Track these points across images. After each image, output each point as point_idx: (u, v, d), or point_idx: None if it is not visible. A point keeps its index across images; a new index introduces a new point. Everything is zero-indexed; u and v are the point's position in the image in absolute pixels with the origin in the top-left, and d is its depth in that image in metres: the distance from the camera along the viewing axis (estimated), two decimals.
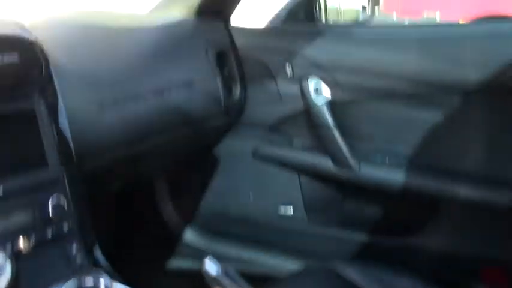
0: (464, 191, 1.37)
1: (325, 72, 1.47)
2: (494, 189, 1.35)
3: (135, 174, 1.46)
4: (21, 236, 0.90)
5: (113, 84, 1.22)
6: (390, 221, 1.55)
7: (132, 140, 1.27)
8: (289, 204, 1.65)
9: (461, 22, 1.60)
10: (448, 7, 5.93)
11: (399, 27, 1.53)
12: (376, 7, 1.67)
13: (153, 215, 1.79)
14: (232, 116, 1.58)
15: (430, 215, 1.46)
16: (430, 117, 1.41)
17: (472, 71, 1.32)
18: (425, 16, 5.99)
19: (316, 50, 1.49)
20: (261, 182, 1.67)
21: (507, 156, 1.35)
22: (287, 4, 1.60)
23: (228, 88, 1.54)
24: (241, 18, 1.62)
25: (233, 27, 1.59)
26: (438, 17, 6.03)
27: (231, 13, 1.58)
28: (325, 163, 1.51)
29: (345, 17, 1.83)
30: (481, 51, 1.33)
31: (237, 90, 1.57)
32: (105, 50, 1.27)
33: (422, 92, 1.39)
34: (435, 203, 1.43)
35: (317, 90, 1.48)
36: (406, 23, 1.75)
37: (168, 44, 1.41)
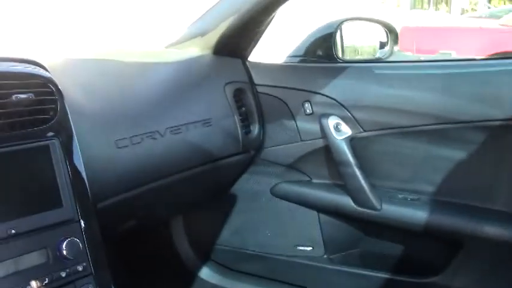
0: (491, 229, 1.32)
1: (345, 109, 1.45)
2: None
3: (151, 212, 1.43)
4: (35, 277, 0.87)
5: (129, 123, 1.20)
6: (413, 260, 1.50)
7: (148, 178, 1.24)
8: (308, 242, 1.60)
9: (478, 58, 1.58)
10: (461, 47, 5.96)
11: (419, 63, 1.50)
12: (395, 45, 1.65)
13: (170, 252, 1.75)
14: (250, 154, 1.55)
15: (455, 254, 1.40)
16: (451, 153, 1.38)
17: (494, 106, 1.29)
18: (440, 54, 5.99)
19: (335, 87, 1.47)
20: (279, 220, 1.63)
21: None
22: (304, 41, 1.59)
23: (246, 125, 1.52)
24: (261, 54, 1.61)
25: (251, 62, 1.58)
26: (454, 55, 6.04)
27: (250, 50, 1.57)
28: (346, 201, 1.47)
29: (363, 55, 1.81)
30: (501, 87, 1.30)
31: (255, 127, 1.54)
32: (121, 89, 1.25)
33: (443, 128, 1.36)
34: (460, 242, 1.38)
35: (337, 127, 1.45)
36: (424, 60, 1.72)
37: (185, 81, 1.39)
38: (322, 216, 1.58)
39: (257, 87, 1.56)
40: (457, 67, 1.42)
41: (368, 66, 1.51)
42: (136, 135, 1.19)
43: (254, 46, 1.57)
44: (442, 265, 1.43)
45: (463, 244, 1.38)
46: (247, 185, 1.63)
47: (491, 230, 1.32)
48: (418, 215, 1.39)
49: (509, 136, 1.31)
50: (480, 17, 8.78)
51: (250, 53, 1.58)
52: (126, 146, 1.16)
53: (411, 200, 1.43)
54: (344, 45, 1.64)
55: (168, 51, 1.53)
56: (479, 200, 1.37)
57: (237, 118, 1.47)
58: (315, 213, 1.58)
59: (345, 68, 1.50)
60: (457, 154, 1.37)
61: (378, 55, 1.68)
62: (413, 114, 1.38)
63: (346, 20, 1.59)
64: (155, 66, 1.39)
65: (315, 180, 1.56)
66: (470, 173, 1.38)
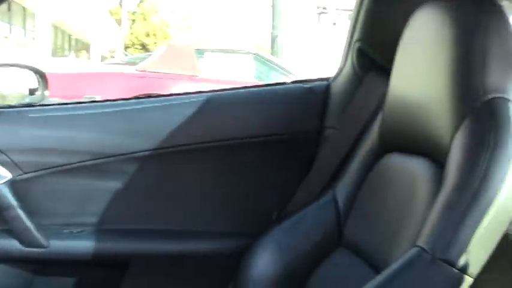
0: (153, 246, 1.46)
1: (2, 154, 1.42)
2: (185, 241, 1.48)
3: None
4: None
5: None
6: None
7: None
8: None
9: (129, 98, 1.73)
10: (104, 91, 6.20)
11: (74, 105, 1.58)
12: (45, 90, 1.68)
13: None
14: None
15: (124, 275, 1.50)
16: (111, 184, 1.48)
17: (144, 138, 1.44)
18: (86, 98, 6.12)
19: None
20: None
21: (189, 209, 1.51)
22: None
23: None
24: None
25: None
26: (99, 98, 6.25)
27: None
28: (13, 244, 1.44)
29: (12, 101, 1.78)
30: (149, 121, 1.47)
31: None
32: None
33: (101, 163, 1.45)
34: (126, 263, 1.48)
35: None
36: (79, 102, 1.80)
37: None
38: None
39: None
40: (110, 106, 1.53)
41: (22, 111, 1.52)
42: None
43: None
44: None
45: (129, 264, 1.49)
46: None
47: (154, 246, 1.47)
48: (85, 245, 1.45)
49: (158, 163, 1.47)
50: (119, 63, 9.31)
51: None
52: None
53: (77, 232, 1.48)
54: None
55: None
56: (142, 222, 1.50)
57: None
58: None
59: None
60: (116, 184, 1.48)
61: (28, 100, 1.69)
62: (71, 153, 1.44)
63: None
64: None
65: None
66: (130, 200, 1.50)
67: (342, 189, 1.27)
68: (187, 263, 1.47)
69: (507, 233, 0.94)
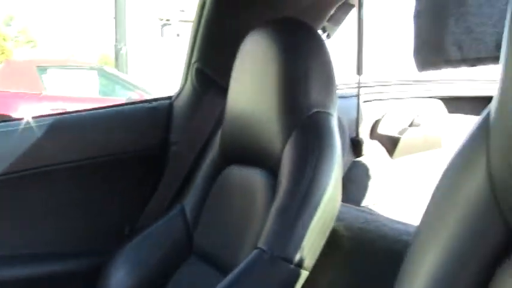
0: (5, 273, 1.41)
1: None
2: (36, 264, 1.44)
3: None
4: None
5: None
6: None
7: None
8: None
9: None
10: None
11: None
12: None
13: None
14: None
15: None
16: None
17: None
18: None
19: None
20: None
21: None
22: None
23: None
24: None
25: None
26: None
27: None
28: None
29: None
30: None
31: None
32: None
33: None
34: None
35: None
36: None
37: None
38: None
39: None
40: None
41: None
42: None
43: None
44: None
45: None
46: None
47: (1, 273, 1.41)
48: None
49: (6, 188, 1.43)
50: None
51: None
52: None
53: None
54: None
55: None
56: None
57: None
58: None
59: None
60: None
61: None
62: None
63: None
64: None
65: None
66: None
67: (189, 201, 1.33)
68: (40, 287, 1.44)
69: (334, 228, 1.06)
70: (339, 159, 1.05)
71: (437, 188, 0.52)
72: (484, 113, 0.50)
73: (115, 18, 9.96)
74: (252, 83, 1.16)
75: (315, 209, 0.99)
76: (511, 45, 0.43)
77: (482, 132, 0.48)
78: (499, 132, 0.45)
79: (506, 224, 0.45)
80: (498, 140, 0.45)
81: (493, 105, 0.46)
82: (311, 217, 0.98)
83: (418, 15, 0.98)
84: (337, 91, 1.73)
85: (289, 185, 1.01)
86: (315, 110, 1.07)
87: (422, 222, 0.53)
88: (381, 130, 2.08)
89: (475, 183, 0.48)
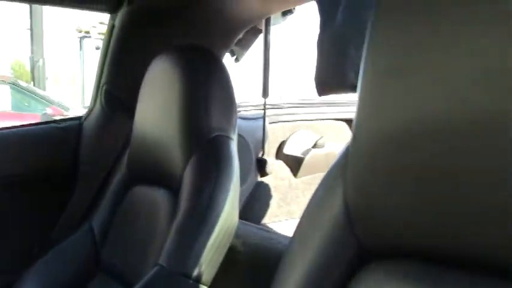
0: None
1: None
2: None
3: None
4: None
5: None
6: None
7: None
8: None
9: None
10: None
11: None
12: None
13: None
14: None
15: None
16: None
17: None
18: None
19: None
20: None
21: None
22: None
23: None
24: None
25: None
26: None
27: None
28: None
29: None
30: None
31: None
32: None
33: None
34: None
35: None
36: None
37: None
38: None
39: None
40: None
41: None
42: None
43: None
44: None
45: None
46: None
47: None
48: None
49: None
50: None
51: None
52: None
53: None
54: None
55: None
56: None
57: None
58: None
59: None
60: None
61: None
62: None
63: None
64: None
65: None
66: None
67: (98, 219, 1.35)
68: None
69: (232, 244, 1.13)
70: (237, 181, 1.11)
71: (306, 210, 0.61)
72: (344, 147, 0.59)
73: (30, 29, 9.61)
74: (156, 106, 1.20)
75: (213, 227, 1.04)
76: (364, 77, 0.50)
77: (341, 166, 0.57)
78: (354, 167, 0.53)
79: (358, 240, 0.54)
80: (352, 172, 0.53)
81: (350, 141, 0.55)
82: (209, 234, 1.04)
83: (321, 43, 1.06)
84: (245, 113, 1.82)
85: (188, 204, 1.06)
86: (215, 133, 1.13)
87: (293, 238, 0.61)
88: (287, 151, 2.16)
89: (334, 207, 0.57)
